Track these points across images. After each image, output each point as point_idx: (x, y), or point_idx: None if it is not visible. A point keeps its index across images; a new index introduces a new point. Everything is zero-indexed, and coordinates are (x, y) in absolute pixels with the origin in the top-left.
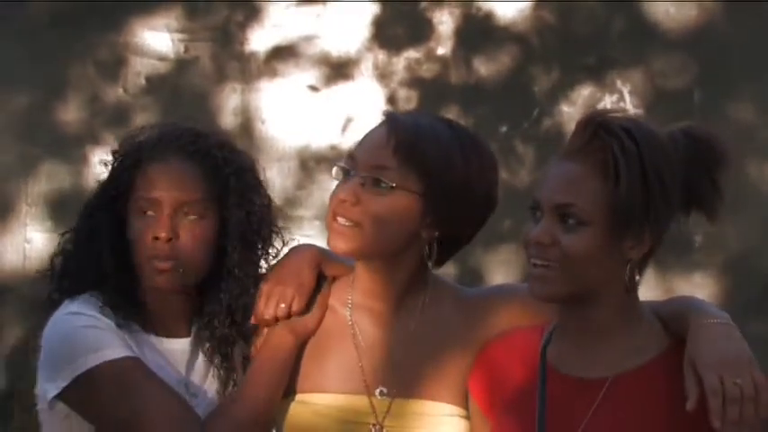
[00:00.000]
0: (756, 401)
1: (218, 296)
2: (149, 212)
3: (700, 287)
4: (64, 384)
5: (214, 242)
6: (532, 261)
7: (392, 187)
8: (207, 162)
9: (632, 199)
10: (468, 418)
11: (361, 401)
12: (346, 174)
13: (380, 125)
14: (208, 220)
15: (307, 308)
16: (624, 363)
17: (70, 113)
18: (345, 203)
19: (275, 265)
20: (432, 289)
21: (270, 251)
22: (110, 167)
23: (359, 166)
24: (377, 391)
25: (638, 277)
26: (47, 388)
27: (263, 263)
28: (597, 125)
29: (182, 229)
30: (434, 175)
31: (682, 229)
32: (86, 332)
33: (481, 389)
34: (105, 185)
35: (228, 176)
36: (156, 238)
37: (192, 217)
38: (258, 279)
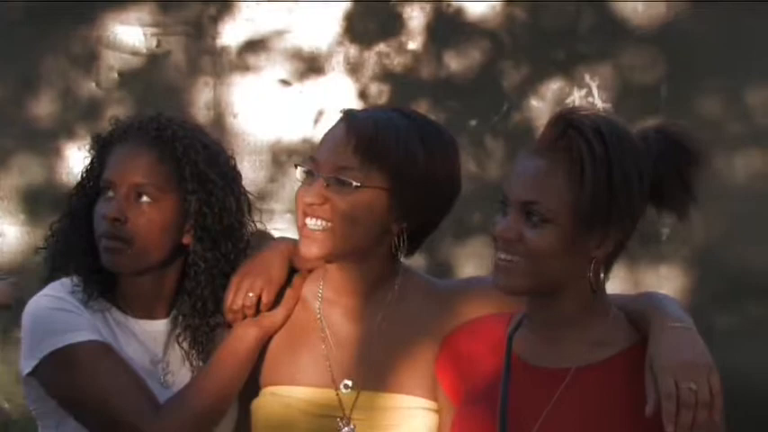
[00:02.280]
0: (711, 408)
1: (186, 286)
2: (109, 193)
3: (666, 279)
4: (34, 363)
5: (173, 228)
6: (498, 254)
7: (357, 186)
8: (166, 148)
9: (596, 202)
10: (438, 411)
11: (328, 394)
12: (310, 176)
13: (338, 124)
14: (163, 205)
15: (276, 301)
16: (587, 356)
17: (43, 107)
18: (314, 205)
19: (248, 258)
20: (401, 281)
21: (245, 244)
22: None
23: (321, 168)
24: (342, 385)
25: (602, 275)
26: (23, 365)
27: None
28: (568, 123)
29: (133, 211)
30: (397, 170)
31: (650, 221)
32: (54, 314)
33: (447, 375)
34: (84, 168)
35: (185, 165)
36: (105, 218)
37: (145, 200)
38: (230, 272)
